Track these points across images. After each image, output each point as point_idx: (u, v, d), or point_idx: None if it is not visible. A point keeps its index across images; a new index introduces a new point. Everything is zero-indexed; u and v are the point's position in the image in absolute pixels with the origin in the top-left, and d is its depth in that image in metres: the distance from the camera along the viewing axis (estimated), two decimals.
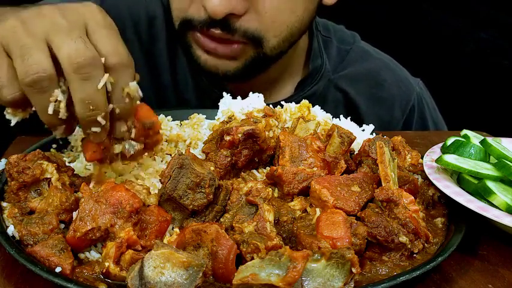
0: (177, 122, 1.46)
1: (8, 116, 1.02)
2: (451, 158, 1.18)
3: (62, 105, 0.95)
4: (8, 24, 0.98)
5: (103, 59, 0.95)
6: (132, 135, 1.05)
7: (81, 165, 1.24)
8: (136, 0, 1.84)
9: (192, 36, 1.57)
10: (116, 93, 0.98)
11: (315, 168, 1.13)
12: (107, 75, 0.95)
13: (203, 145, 1.25)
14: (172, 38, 1.81)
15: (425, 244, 1.02)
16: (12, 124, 1.03)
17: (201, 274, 0.84)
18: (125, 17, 1.82)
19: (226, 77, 1.60)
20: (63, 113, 0.96)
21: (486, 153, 1.25)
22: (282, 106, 1.39)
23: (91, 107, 0.95)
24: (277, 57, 1.62)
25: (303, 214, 1.05)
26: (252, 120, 1.22)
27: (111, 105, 0.98)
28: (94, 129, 0.98)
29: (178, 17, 1.56)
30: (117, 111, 1.00)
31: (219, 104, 1.41)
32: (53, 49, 0.95)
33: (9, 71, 0.96)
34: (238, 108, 1.33)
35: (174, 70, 1.85)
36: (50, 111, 0.95)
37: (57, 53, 0.94)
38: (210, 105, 1.65)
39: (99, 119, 0.97)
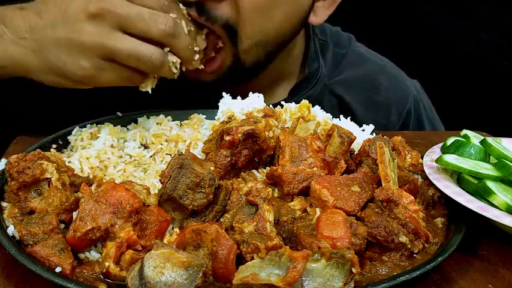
0: (177, 122, 1.46)
1: (143, 88, 1.37)
2: (451, 158, 1.18)
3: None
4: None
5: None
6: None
7: (77, 162, 1.24)
8: None
9: None
10: (185, 21, 1.37)
11: (315, 168, 1.13)
12: (183, 22, 1.35)
13: (203, 145, 1.25)
14: None
15: (425, 244, 1.02)
16: (150, 91, 1.39)
17: (201, 274, 0.84)
18: None
19: (205, 86, 1.59)
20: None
21: (486, 153, 1.25)
22: (282, 106, 1.39)
23: (189, 47, 1.36)
24: (254, 67, 1.58)
25: (303, 214, 1.05)
26: (252, 120, 1.22)
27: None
28: (196, 57, 1.40)
29: None
30: (192, 28, 1.38)
31: (219, 104, 1.42)
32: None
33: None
34: (238, 108, 1.33)
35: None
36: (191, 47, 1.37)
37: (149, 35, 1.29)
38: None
39: (196, 48, 1.39)
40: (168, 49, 1.32)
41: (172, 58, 1.32)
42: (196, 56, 1.40)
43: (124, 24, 1.25)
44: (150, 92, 1.38)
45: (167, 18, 1.28)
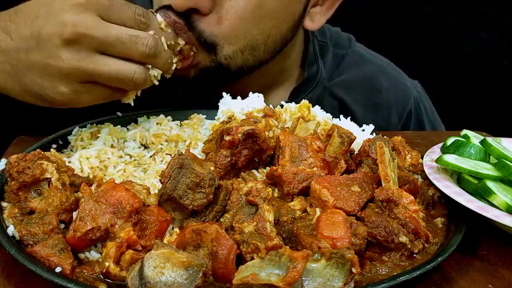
0: (177, 122, 1.46)
1: (125, 101, 1.34)
2: (451, 158, 1.18)
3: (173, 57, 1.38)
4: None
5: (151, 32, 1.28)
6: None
7: (77, 162, 1.24)
8: None
9: None
10: (164, 36, 1.33)
11: (315, 168, 1.13)
12: (163, 39, 1.31)
13: (203, 145, 1.25)
14: None
15: (425, 244, 1.02)
16: (132, 104, 1.35)
17: (201, 274, 0.84)
18: None
19: (187, 82, 1.55)
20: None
21: (486, 153, 1.25)
22: (282, 106, 1.39)
23: (168, 61, 1.34)
24: (241, 71, 1.54)
25: (303, 214, 1.05)
26: (252, 120, 1.22)
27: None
28: (173, 67, 1.38)
29: (156, 6, 1.50)
30: (173, 42, 1.35)
31: (219, 104, 1.42)
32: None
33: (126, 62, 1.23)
34: (238, 108, 1.34)
35: (163, 77, 1.81)
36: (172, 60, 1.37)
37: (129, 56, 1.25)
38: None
39: (174, 60, 1.37)
40: (150, 66, 1.29)
41: (154, 72, 1.30)
42: (174, 66, 1.38)
43: (102, 47, 1.19)
44: (132, 104, 1.35)
45: (147, 38, 1.23)
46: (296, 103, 1.40)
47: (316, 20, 1.65)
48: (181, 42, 1.39)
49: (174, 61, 1.37)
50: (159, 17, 1.33)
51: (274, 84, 1.80)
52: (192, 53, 1.44)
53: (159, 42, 1.28)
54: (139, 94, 1.36)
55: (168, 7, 1.38)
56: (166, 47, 1.31)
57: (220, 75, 1.53)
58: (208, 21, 1.41)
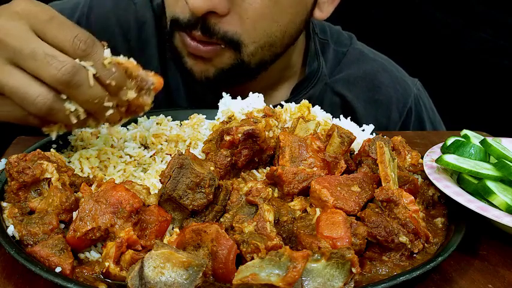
0: (177, 122, 1.46)
1: (46, 132, 1.14)
2: (451, 158, 1.18)
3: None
4: None
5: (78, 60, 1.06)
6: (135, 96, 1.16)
7: (77, 162, 1.24)
8: (125, 6, 1.82)
9: (179, 37, 1.56)
10: (101, 72, 1.08)
11: (315, 168, 1.13)
12: (90, 72, 1.06)
13: (203, 145, 1.25)
14: (163, 43, 1.79)
15: (425, 244, 1.02)
16: (53, 138, 1.16)
17: (201, 274, 0.84)
18: (113, 23, 1.80)
19: (207, 82, 1.58)
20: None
21: (486, 153, 1.25)
22: (282, 106, 1.39)
23: (95, 101, 1.08)
24: (258, 67, 1.58)
25: (303, 214, 1.05)
26: (252, 120, 1.22)
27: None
28: (108, 112, 1.12)
29: (169, 15, 1.55)
30: (113, 83, 1.10)
31: (218, 104, 1.42)
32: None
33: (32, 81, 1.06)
34: (238, 108, 1.34)
35: (165, 76, 1.81)
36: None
37: (40, 77, 1.05)
38: None
39: (106, 104, 1.10)
40: (65, 96, 1.08)
41: (71, 106, 1.08)
42: (109, 112, 1.12)
43: (15, 59, 1.06)
44: (53, 138, 1.17)
45: (64, 63, 1.04)
46: (298, 100, 1.41)
47: (324, 9, 1.68)
48: (132, 95, 1.15)
49: (108, 104, 1.11)
50: (107, 53, 1.10)
51: (278, 81, 1.82)
52: (142, 112, 1.23)
53: (80, 72, 1.06)
54: (61, 132, 1.17)
55: (183, 33, 1.43)
56: (92, 83, 1.07)
57: (240, 73, 1.56)
58: (230, 21, 1.45)
